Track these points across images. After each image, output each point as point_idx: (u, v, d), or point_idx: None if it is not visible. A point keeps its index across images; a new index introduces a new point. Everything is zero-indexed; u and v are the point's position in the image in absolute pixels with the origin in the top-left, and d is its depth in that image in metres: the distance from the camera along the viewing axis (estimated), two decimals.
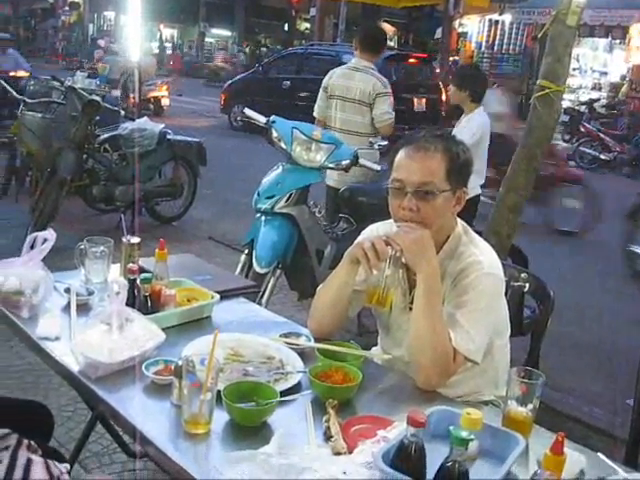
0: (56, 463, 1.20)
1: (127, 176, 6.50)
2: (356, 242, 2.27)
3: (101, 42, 20.13)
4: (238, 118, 14.90)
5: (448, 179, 2.17)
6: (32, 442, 1.20)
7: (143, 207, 6.81)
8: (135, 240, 2.59)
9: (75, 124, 6.21)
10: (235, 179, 9.77)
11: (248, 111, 4.31)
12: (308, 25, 34.07)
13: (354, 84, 5.30)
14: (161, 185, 6.89)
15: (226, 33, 38.42)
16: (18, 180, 7.07)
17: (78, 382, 2.02)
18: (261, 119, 4.22)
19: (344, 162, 4.17)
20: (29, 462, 1.15)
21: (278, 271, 4.08)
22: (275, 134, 4.12)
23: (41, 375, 3.95)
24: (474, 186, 4.84)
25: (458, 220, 2.29)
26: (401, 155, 2.22)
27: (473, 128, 4.98)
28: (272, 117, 4.19)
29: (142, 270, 2.35)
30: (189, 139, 7.22)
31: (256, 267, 3.91)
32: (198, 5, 36.05)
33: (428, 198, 2.15)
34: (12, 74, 10.57)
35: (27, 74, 10.62)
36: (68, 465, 1.22)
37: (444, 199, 2.17)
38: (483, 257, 2.21)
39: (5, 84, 6.80)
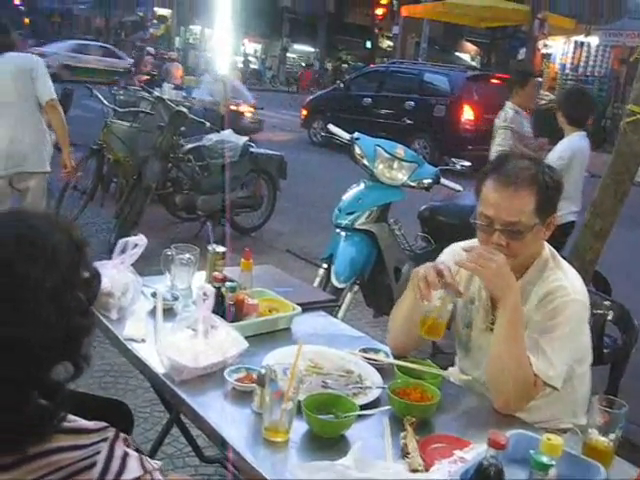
0: (149, 459, 1.24)
1: (209, 186, 6.63)
2: (419, 267, 2.24)
3: (150, 49, 20.60)
4: (318, 134, 15.04)
5: (537, 213, 2.14)
6: (127, 437, 1.24)
7: (223, 217, 6.93)
8: (220, 249, 2.65)
9: (162, 134, 6.39)
10: (313, 193, 9.84)
11: (332, 127, 4.37)
12: (390, 43, 34.22)
13: None
14: (242, 196, 7.01)
15: (308, 49, 38.89)
16: (104, 186, 7.27)
17: (161, 384, 2.08)
18: (345, 136, 4.27)
19: (426, 181, 4.18)
20: (125, 455, 1.20)
21: (356, 287, 4.11)
22: (358, 151, 4.16)
23: (120, 376, 4.06)
24: (566, 213, 4.76)
25: (545, 244, 2.27)
26: (489, 187, 2.18)
27: (561, 151, 4.91)
28: (356, 134, 4.24)
29: (226, 279, 2.40)
30: (271, 152, 7.33)
31: (334, 282, 3.94)
32: (282, 21, 36.62)
33: (517, 236, 2.13)
34: None
35: None
36: (160, 462, 1.27)
37: (533, 233, 2.15)
38: (569, 282, 2.18)
39: (97, 93, 7.03)
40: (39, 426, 1.14)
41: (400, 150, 4.19)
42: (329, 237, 7.14)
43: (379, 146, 4.13)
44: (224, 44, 9.14)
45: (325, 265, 4.14)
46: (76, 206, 6.73)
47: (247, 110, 10.70)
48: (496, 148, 5.49)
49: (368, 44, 35.43)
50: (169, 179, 6.63)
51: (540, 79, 22.06)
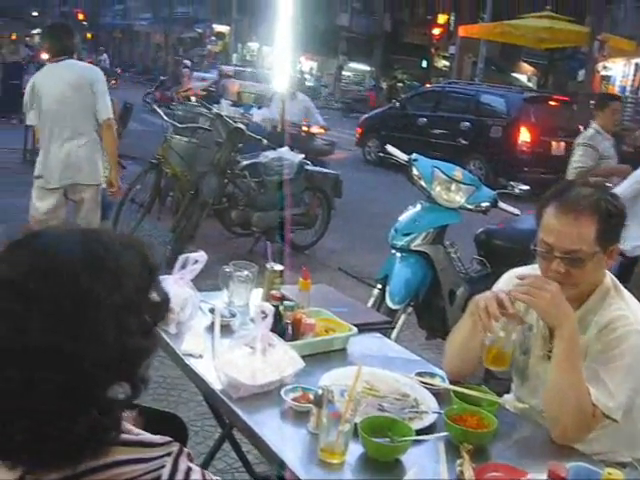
0: (210, 474, 1.26)
1: (265, 203, 6.69)
2: (479, 296, 2.22)
3: (186, 62, 20.86)
4: (373, 152, 15.07)
5: (599, 241, 2.10)
6: (190, 452, 1.26)
7: (277, 234, 6.98)
8: (278, 267, 2.67)
9: (219, 150, 6.47)
10: (366, 212, 9.85)
11: (390, 148, 4.38)
12: (446, 63, 34.12)
13: None
14: (297, 214, 7.05)
15: (364, 67, 39.01)
16: (161, 199, 7.39)
17: (218, 400, 2.10)
18: (402, 156, 4.28)
19: (483, 204, 4.16)
20: (189, 470, 1.22)
21: (409, 308, 4.10)
22: (415, 172, 4.16)
23: (172, 388, 4.11)
24: (636, 245, 4.68)
25: (607, 273, 2.23)
26: (549, 214, 2.15)
27: (633, 178, 4.85)
28: (413, 155, 4.24)
29: (284, 297, 2.42)
30: (326, 171, 7.38)
31: (389, 303, 3.94)
32: (339, 39, 36.84)
33: (577, 264, 2.11)
34: None
35: None
36: (219, 478, 1.28)
37: (594, 261, 2.12)
38: (631, 312, 2.14)
39: (157, 108, 7.17)
40: (92, 441, 1.16)
41: (458, 172, 4.18)
42: (381, 256, 7.15)
43: (437, 168, 4.12)
44: (284, 62, 9.17)
45: (379, 286, 4.14)
46: (133, 219, 6.84)
47: (318, 131, 10.63)
48: (573, 165, 5.50)
49: (424, 63, 35.38)
50: (225, 194, 6.71)
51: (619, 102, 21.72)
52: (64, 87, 4.71)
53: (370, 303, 4.08)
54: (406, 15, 37.66)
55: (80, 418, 1.13)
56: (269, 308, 2.11)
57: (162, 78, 16.30)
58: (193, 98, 14.40)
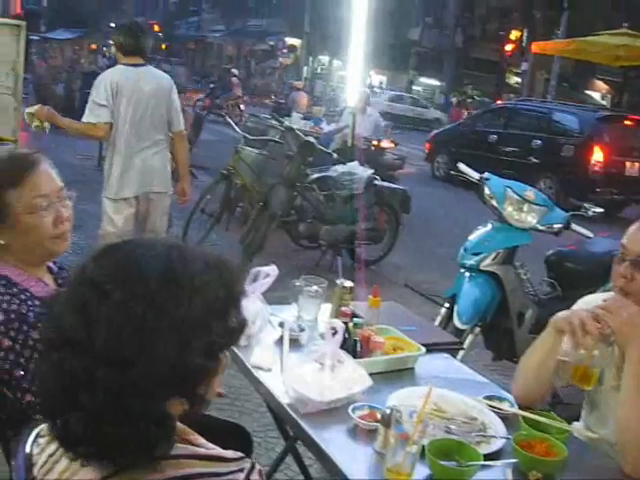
0: None
1: (333, 216, 6.72)
2: (566, 313, 2.20)
3: (234, 71, 20.98)
4: (441, 168, 15.00)
5: None
6: (262, 469, 1.27)
7: (344, 248, 6.99)
8: (348, 284, 2.68)
9: (290, 163, 6.54)
10: (434, 228, 9.80)
11: (462, 166, 4.35)
12: (518, 79, 33.74)
13: None
14: (364, 229, 7.06)
15: (434, 82, 38.87)
16: (229, 210, 7.49)
17: (285, 414, 2.11)
18: (474, 175, 4.25)
19: (556, 225, 4.09)
20: None
21: (477, 329, 4.05)
22: (487, 191, 4.13)
23: (236, 398, 4.14)
24: None
25: None
26: (637, 224, 2.20)
27: None
28: (485, 174, 4.21)
29: (354, 314, 2.43)
30: (395, 186, 7.37)
31: (456, 322, 3.91)
32: (409, 54, 36.80)
33: None
34: None
35: None
36: None
37: None
38: None
39: (230, 120, 7.29)
40: (141, 449, 1.16)
41: (530, 193, 4.12)
42: (449, 273, 7.11)
43: (509, 188, 4.08)
44: (355, 76, 9.20)
45: (447, 304, 4.12)
46: (203, 228, 6.95)
47: (388, 146, 10.61)
48: None
49: (495, 80, 35.05)
50: (294, 207, 6.76)
51: None
52: (144, 95, 4.63)
53: (437, 321, 4.06)
54: (477, 30, 37.43)
55: (131, 424, 1.15)
56: (339, 325, 2.12)
57: (211, 86, 16.47)
58: (242, 106, 14.49)
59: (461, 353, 3.86)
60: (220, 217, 7.12)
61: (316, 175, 6.87)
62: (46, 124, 4.57)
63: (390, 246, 7.45)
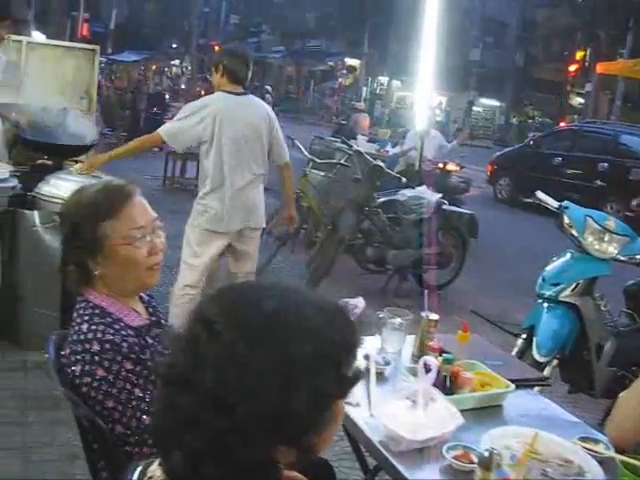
0: None
1: (400, 241, 6.68)
2: None
3: (360, 104, 20.91)
4: (504, 190, 14.84)
5: None
6: None
7: (410, 273, 6.94)
8: (434, 317, 2.64)
9: (358, 186, 6.53)
10: (499, 253, 9.67)
11: (540, 194, 4.28)
12: (581, 100, 33.25)
13: None
14: (431, 253, 7.00)
15: (494, 103, 38.56)
16: (295, 232, 7.51)
17: (375, 451, 2.08)
18: (553, 204, 4.17)
19: (638, 256, 3.98)
20: None
21: (555, 361, 3.96)
22: (567, 220, 4.05)
23: None
24: None
25: None
26: None
27: None
28: (565, 202, 4.13)
29: (442, 350, 2.39)
30: (462, 211, 7.31)
31: (535, 355, 3.83)
32: (469, 74, 36.60)
33: None
34: None
35: None
36: None
37: None
38: None
39: (298, 144, 7.32)
40: None
41: (611, 222, 4.03)
42: (516, 299, 7.01)
43: (589, 217, 3.99)
44: (420, 98, 9.15)
45: (524, 335, 4.04)
46: (269, 250, 6.98)
47: (454, 169, 10.53)
48: None
49: (558, 100, 34.61)
50: (360, 231, 6.74)
51: None
52: (246, 126, 4.41)
53: (514, 352, 3.98)
54: (539, 50, 37.08)
55: (233, 468, 1.13)
56: (433, 362, 2.09)
57: (341, 122, 16.25)
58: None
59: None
60: (287, 240, 7.14)
61: (383, 199, 6.84)
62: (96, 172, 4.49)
63: (457, 271, 7.37)
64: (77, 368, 1.86)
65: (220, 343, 1.13)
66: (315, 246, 6.84)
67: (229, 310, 1.18)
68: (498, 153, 16.81)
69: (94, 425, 1.87)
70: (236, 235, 4.52)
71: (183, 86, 24.57)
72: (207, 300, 1.23)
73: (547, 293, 3.98)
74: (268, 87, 23.39)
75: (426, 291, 3.44)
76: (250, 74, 4.49)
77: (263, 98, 18.56)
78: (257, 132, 4.46)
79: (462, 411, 2.21)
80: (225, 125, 4.33)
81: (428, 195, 6.79)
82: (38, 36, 12.65)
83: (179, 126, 4.39)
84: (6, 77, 5.21)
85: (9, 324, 4.61)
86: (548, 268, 4.10)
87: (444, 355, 2.32)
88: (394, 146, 10.94)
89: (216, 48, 46.67)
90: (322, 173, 7.25)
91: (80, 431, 2.02)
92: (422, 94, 9.52)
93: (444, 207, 6.95)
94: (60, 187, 4.42)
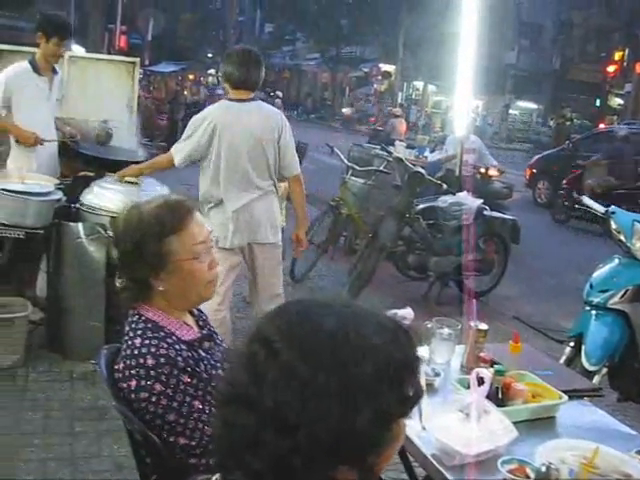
0: None
1: (442, 247, 6.62)
2: None
3: (397, 110, 20.65)
4: (543, 194, 14.68)
5: None
6: None
7: (452, 279, 6.89)
8: (483, 327, 2.60)
9: (398, 193, 6.50)
10: (539, 257, 9.55)
11: (586, 199, 4.21)
12: (620, 101, 32.81)
13: None
14: (473, 259, 6.93)
15: (531, 105, 38.20)
16: (333, 239, 7.50)
17: (429, 464, 2.05)
18: (600, 209, 4.11)
19: None
20: None
21: (604, 369, 3.89)
22: (614, 226, 3.98)
23: None
24: None
25: None
26: None
27: None
28: (612, 207, 4.06)
29: (493, 361, 2.36)
30: (504, 216, 7.23)
31: (585, 364, 3.76)
32: (505, 77, 36.33)
33: None
34: None
35: None
36: None
37: None
38: None
39: (338, 151, 7.32)
40: None
41: None
42: (559, 305, 6.91)
43: (638, 222, 3.92)
44: (459, 103, 9.06)
45: (572, 344, 3.97)
46: (310, 259, 6.97)
47: (495, 174, 10.40)
48: None
49: (596, 102, 34.15)
50: (401, 238, 6.70)
51: None
52: (250, 138, 4.10)
53: (562, 360, 3.92)
54: (576, 52, 36.68)
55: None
56: (487, 374, 2.06)
57: (378, 129, 16.09)
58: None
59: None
60: (327, 247, 7.13)
61: (423, 205, 6.80)
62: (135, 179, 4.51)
63: (499, 277, 7.28)
64: (132, 383, 1.87)
65: (279, 363, 1.12)
66: (355, 254, 6.82)
67: (287, 329, 1.17)
68: (537, 156, 16.61)
69: (147, 439, 1.88)
70: (247, 251, 4.28)
71: (219, 94, 24.72)
72: (265, 318, 1.22)
73: (595, 300, 3.91)
74: (278, 92, 22.94)
75: (468, 298, 3.39)
76: (254, 76, 4.12)
77: (273, 104, 18.31)
78: (262, 143, 4.12)
79: (514, 423, 2.18)
80: (223, 136, 4.07)
81: (469, 201, 6.73)
82: (78, 49, 12.82)
83: (184, 145, 4.18)
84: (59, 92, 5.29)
85: (55, 335, 4.67)
86: (595, 274, 4.03)
87: (495, 366, 2.29)
88: (432, 151, 10.88)
89: None
90: (361, 180, 7.22)
91: (132, 445, 2.02)
92: (460, 99, 9.45)
93: (485, 213, 6.88)
94: (103, 198, 4.48)
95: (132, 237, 1.98)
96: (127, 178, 4.47)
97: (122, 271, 2.04)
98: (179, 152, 4.20)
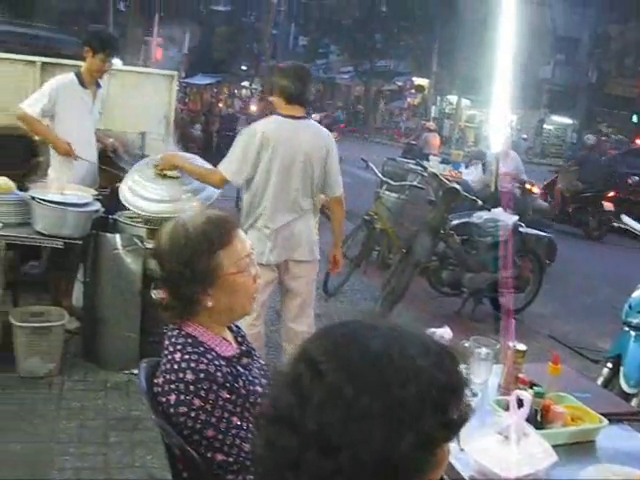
0: None
1: (476, 264, 6.58)
2: None
3: (431, 124, 20.31)
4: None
5: None
6: None
7: (485, 296, 6.83)
8: (522, 347, 2.57)
9: (432, 209, 6.47)
10: (576, 275, 9.43)
11: (625, 218, 4.16)
12: None
13: None
14: (508, 277, 6.86)
15: (566, 120, 37.88)
16: (366, 253, 7.49)
17: None
18: (638, 227, 4.05)
19: None
20: None
21: None
22: None
23: None
24: None
25: None
26: None
27: None
28: None
29: (533, 383, 2.33)
30: (540, 233, 7.16)
31: (624, 386, 3.70)
32: (540, 91, 36.09)
33: None
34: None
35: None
36: None
37: None
38: None
39: (372, 166, 7.32)
40: None
41: None
42: (595, 325, 6.82)
43: None
44: (494, 117, 8.95)
45: (610, 365, 3.91)
46: (342, 273, 6.96)
47: (535, 190, 10.32)
48: None
49: (634, 117, 33.75)
50: (435, 253, 6.67)
51: None
52: (302, 157, 4.07)
53: (599, 382, 3.86)
54: (613, 66, 36.34)
55: None
56: (527, 397, 2.03)
57: (412, 143, 15.95)
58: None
59: None
60: (360, 262, 7.12)
61: (458, 221, 6.77)
62: (174, 172, 4.40)
63: (534, 294, 7.21)
64: (172, 397, 1.88)
65: (325, 384, 1.11)
66: (388, 268, 6.80)
67: (333, 350, 1.16)
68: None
69: (185, 454, 1.88)
70: (282, 267, 4.24)
71: (253, 108, 24.91)
72: (311, 339, 1.22)
73: (635, 321, 3.85)
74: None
75: (503, 316, 3.37)
76: (308, 93, 4.15)
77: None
78: (312, 162, 4.11)
79: (553, 446, 2.15)
80: (277, 153, 4.01)
81: (504, 217, 6.67)
82: (115, 62, 12.99)
83: (235, 161, 4.08)
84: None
85: (90, 344, 4.72)
86: (634, 295, 3.97)
87: (534, 388, 2.26)
88: (467, 167, 10.79)
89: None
90: (395, 195, 7.21)
91: (169, 459, 2.03)
92: (496, 113, 9.36)
93: (521, 229, 6.82)
94: (141, 198, 4.50)
95: (180, 255, 1.97)
96: (168, 172, 4.42)
97: (168, 289, 2.02)
98: (230, 168, 4.08)
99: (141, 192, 4.46)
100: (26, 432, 3.78)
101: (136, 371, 4.42)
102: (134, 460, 3.65)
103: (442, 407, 1.13)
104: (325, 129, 4.44)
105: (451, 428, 1.16)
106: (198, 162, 4.54)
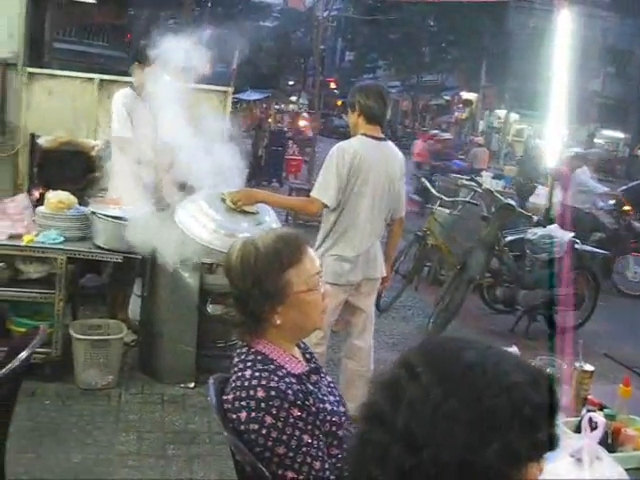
0: None
1: (531, 280, 6.51)
2: None
3: (479, 138, 20.17)
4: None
5: None
6: None
7: (540, 313, 6.74)
8: (589, 368, 2.53)
9: (486, 225, 6.42)
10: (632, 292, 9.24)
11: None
12: None
13: None
14: (563, 294, 6.77)
15: (617, 135, 37.30)
16: (419, 269, 7.46)
17: None
18: None
19: None
20: None
21: None
22: None
23: None
24: None
25: None
26: None
27: None
28: None
29: (602, 405, 2.29)
30: (596, 250, 7.05)
31: None
32: (590, 105, 35.61)
33: None
34: None
35: None
36: None
37: None
38: None
39: (425, 181, 7.30)
40: None
41: None
42: None
43: None
44: (549, 132, 8.82)
45: None
46: (395, 289, 6.95)
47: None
48: None
49: None
50: (489, 270, 6.62)
51: None
52: (386, 179, 4.05)
53: None
54: None
55: None
56: (600, 420, 2.00)
57: (460, 157, 15.73)
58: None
59: None
60: (413, 278, 7.10)
61: (512, 237, 6.71)
62: (252, 208, 3.91)
63: (589, 312, 7.09)
64: (242, 415, 1.88)
65: (418, 385, 1.16)
66: (440, 284, 6.77)
67: (430, 356, 1.22)
68: (624, 187, 16.16)
69: (256, 471, 1.88)
70: (354, 288, 4.16)
71: (301, 123, 25.06)
72: (412, 348, 1.26)
73: None
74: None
75: (561, 334, 3.31)
76: (387, 113, 4.07)
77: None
78: (393, 185, 4.11)
79: (625, 470, 2.11)
80: (369, 175, 3.95)
81: (559, 234, 6.59)
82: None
83: (329, 183, 3.93)
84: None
85: (147, 358, 4.78)
86: None
87: (605, 410, 2.22)
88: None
89: (332, 84, 47.51)
90: (447, 210, 7.19)
91: (238, 475, 2.04)
92: (550, 128, 9.22)
93: (577, 246, 6.72)
94: (203, 229, 4.50)
95: (251, 273, 1.98)
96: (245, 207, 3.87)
97: (237, 307, 2.05)
98: (328, 194, 3.93)
99: (210, 225, 3.84)
100: (85, 443, 3.83)
101: (192, 385, 4.51)
102: (193, 474, 3.68)
103: (532, 425, 1.14)
104: (399, 150, 4.31)
105: (538, 448, 1.16)
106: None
